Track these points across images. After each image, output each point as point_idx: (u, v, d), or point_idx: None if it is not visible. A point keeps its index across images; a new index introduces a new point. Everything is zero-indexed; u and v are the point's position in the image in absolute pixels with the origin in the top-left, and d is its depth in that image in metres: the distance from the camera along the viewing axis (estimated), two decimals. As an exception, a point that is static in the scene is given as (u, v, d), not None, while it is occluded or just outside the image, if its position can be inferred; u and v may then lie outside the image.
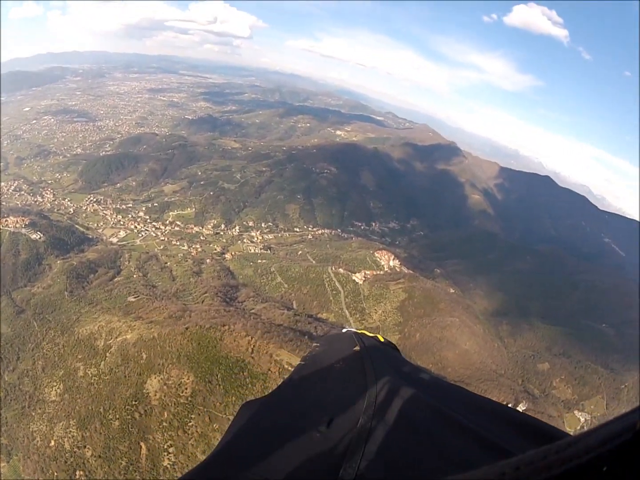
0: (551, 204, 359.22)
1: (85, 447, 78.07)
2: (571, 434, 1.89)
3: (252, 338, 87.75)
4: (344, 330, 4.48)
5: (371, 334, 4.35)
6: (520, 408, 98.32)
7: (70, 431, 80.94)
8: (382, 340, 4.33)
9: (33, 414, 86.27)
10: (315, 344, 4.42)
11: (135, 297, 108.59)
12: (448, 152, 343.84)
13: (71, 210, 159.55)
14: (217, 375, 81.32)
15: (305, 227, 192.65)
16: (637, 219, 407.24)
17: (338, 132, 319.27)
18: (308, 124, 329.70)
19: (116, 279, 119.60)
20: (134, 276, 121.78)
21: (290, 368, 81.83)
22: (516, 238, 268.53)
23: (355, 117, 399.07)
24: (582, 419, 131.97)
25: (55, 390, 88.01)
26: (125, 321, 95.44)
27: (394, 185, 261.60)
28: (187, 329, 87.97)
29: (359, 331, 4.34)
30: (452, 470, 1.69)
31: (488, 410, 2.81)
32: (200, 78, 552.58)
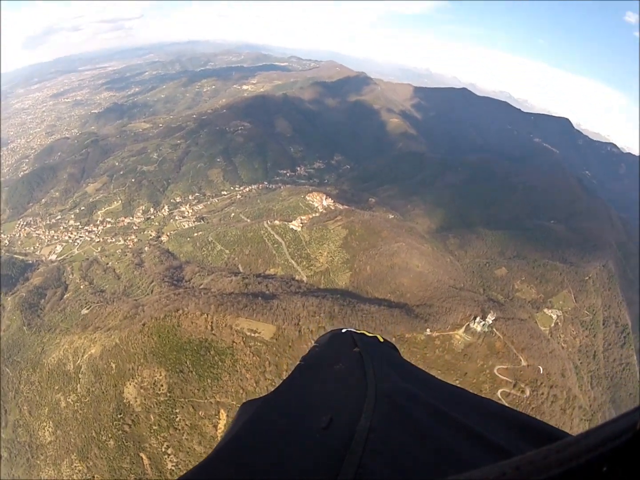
0: (473, 114, 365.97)
1: (93, 477, 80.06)
2: (571, 434, 1.86)
3: (207, 315, 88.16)
4: (343, 331, 4.49)
5: (370, 334, 4.39)
6: (490, 318, 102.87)
7: (75, 466, 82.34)
8: (381, 340, 4.42)
9: (38, 462, 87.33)
10: (314, 344, 4.46)
11: (87, 309, 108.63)
12: (358, 83, 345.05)
13: (6, 242, 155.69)
14: (186, 363, 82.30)
15: (232, 188, 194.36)
16: (566, 117, 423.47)
17: (245, 87, 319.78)
18: (213, 86, 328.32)
19: (66, 295, 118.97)
20: (81, 287, 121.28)
21: (252, 334, 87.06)
22: (444, 153, 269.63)
23: (259, 69, 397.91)
24: (554, 316, 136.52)
25: (47, 430, 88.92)
26: (85, 336, 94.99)
27: (310, 127, 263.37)
28: (144, 325, 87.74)
29: (358, 331, 4.38)
30: (452, 470, 1.70)
31: (488, 410, 2.89)
32: (100, 69, 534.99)
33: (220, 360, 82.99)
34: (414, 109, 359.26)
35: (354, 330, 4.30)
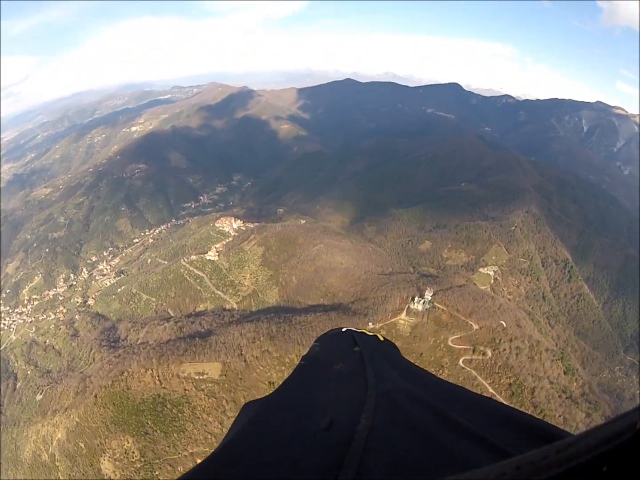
0: (360, 101, 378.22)
1: None
2: (572, 433, 1.91)
3: (152, 370, 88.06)
4: (343, 330, 4.54)
5: (370, 333, 4.41)
6: (428, 294, 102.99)
7: None
8: (381, 339, 4.44)
9: None
10: (314, 343, 4.41)
11: (41, 394, 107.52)
12: (243, 98, 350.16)
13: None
14: (148, 424, 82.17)
15: (142, 233, 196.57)
16: (455, 82, 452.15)
17: (134, 129, 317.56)
18: (103, 135, 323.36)
19: (18, 385, 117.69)
20: (29, 372, 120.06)
21: (200, 377, 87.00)
22: (339, 146, 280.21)
23: (144, 107, 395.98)
24: (491, 273, 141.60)
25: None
26: (47, 422, 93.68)
27: (203, 153, 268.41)
28: (96, 397, 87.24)
29: (359, 330, 4.42)
30: (453, 470, 1.50)
31: (488, 409, 2.90)
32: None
33: (179, 412, 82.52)
34: (301, 110, 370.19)
35: (354, 330, 4.46)
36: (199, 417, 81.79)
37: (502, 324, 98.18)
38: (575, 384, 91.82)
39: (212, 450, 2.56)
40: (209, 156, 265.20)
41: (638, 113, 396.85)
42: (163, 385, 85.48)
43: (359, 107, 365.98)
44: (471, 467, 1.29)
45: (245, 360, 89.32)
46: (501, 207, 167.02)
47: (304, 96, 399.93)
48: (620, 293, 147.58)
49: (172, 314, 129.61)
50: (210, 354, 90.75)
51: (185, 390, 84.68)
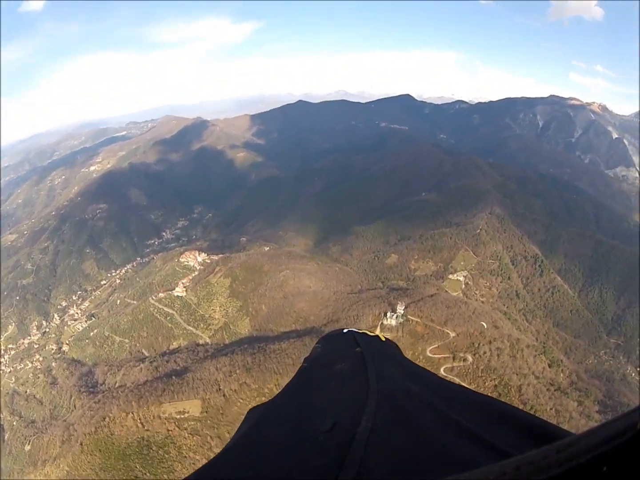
0: (314, 122, 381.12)
1: None
2: (573, 432, 1.86)
3: (133, 413, 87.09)
4: (344, 331, 4.32)
5: (372, 333, 4.24)
6: (400, 308, 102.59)
7: None
8: (383, 339, 4.28)
9: None
10: (316, 345, 4.31)
11: (28, 444, 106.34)
12: (197, 129, 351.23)
13: None
14: (137, 467, 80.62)
15: (108, 275, 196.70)
16: (406, 93, 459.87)
17: (92, 168, 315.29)
18: (63, 176, 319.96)
19: (6, 436, 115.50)
20: (14, 424, 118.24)
21: (182, 416, 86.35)
22: (296, 169, 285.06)
23: (101, 145, 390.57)
24: (461, 278, 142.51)
25: None
26: (39, 473, 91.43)
27: (162, 188, 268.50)
28: (81, 444, 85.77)
29: (360, 331, 4.22)
30: (453, 470, 1.46)
31: (490, 409, 2.83)
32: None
33: (165, 453, 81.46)
34: (256, 136, 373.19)
35: (356, 330, 4.29)
36: (186, 457, 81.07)
37: (483, 324, 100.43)
38: (562, 374, 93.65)
39: (218, 453, 2.68)
40: (168, 191, 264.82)
41: (593, 101, 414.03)
42: (146, 428, 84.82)
43: (313, 128, 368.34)
44: (472, 467, 1.32)
45: (224, 395, 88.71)
46: (464, 212, 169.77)
47: (257, 122, 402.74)
48: (595, 279, 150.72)
49: (146, 354, 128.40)
50: (188, 392, 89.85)
51: (168, 430, 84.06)
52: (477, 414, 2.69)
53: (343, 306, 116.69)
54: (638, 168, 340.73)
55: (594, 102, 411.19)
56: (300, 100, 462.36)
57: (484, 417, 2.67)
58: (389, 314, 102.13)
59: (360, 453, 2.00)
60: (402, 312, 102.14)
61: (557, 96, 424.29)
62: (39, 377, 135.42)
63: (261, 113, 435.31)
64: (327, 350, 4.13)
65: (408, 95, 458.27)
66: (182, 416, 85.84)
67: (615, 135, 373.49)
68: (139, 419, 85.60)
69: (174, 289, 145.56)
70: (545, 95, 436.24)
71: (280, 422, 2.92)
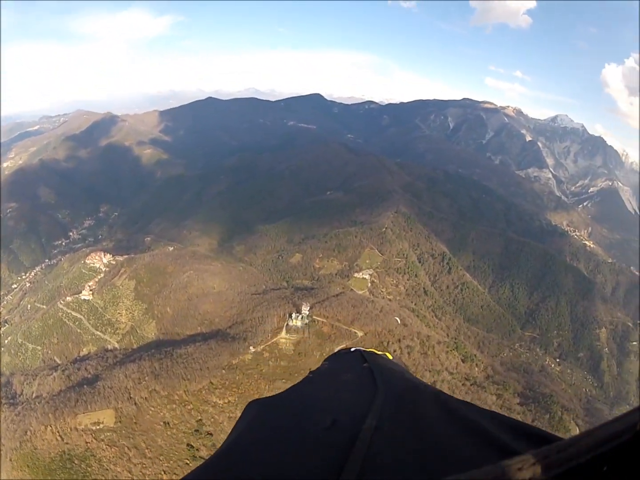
0: (222, 119, 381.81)
1: None
2: (565, 437, 1.62)
3: (50, 426, 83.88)
4: (352, 350, 4.49)
5: (380, 352, 4.42)
6: (305, 309, 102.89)
7: None
8: (390, 357, 4.45)
9: None
10: (324, 362, 4.46)
11: None
12: (106, 125, 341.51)
13: None
14: None
15: (19, 278, 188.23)
16: (316, 92, 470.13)
17: (5, 165, 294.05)
18: None
19: None
20: None
21: (97, 427, 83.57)
22: (202, 167, 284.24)
23: (14, 140, 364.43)
24: (367, 276, 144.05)
25: None
26: None
27: (70, 186, 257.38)
28: (11, 460, 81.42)
29: (368, 350, 4.39)
30: (454, 470, 1.47)
31: (492, 419, 2.66)
32: None
33: (87, 467, 78.34)
34: (164, 133, 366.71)
35: (363, 349, 4.41)
36: (107, 469, 78.57)
37: (396, 319, 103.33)
38: (476, 369, 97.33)
39: (216, 450, 2.59)
40: (76, 189, 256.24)
41: (507, 105, 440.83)
42: (65, 441, 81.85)
43: (221, 126, 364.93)
44: (473, 467, 1.32)
45: (135, 403, 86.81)
46: (369, 211, 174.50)
47: (166, 118, 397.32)
48: (506, 275, 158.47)
49: (58, 362, 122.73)
50: (100, 402, 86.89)
51: (86, 442, 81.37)
52: (480, 419, 2.65)
53: (247, 307, 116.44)
54: (551, 169, 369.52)
55: (508, 106, 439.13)
56: (209, 97, 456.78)
57: (486, 422, 2.61)
58: (294, 315, 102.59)
59: (363, 452, 2.04)
60: (308, 312, 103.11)
61: (470, 99, 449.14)
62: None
63: (170, 109, 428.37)
64: (334, 365, 4.50)
65: (318, 94, 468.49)
66: (98, 427, 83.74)
67: (529, 138, 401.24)
68: (58, 432, 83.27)
69: (81, 292, 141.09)
70: (459, 98, 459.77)
71: (279, 419, 2.94)
